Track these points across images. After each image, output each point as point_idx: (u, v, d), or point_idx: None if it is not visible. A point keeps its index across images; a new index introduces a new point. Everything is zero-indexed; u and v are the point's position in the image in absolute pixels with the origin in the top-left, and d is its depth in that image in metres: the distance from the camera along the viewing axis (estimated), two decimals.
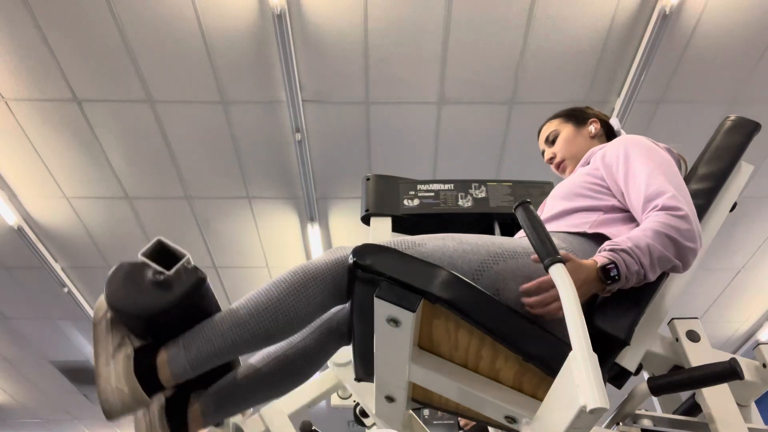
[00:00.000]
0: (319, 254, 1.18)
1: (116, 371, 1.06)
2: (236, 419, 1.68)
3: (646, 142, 1.30)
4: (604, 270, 1.02)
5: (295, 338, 1.27)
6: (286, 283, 1.11)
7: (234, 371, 1.28)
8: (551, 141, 1.59)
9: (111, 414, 1.05)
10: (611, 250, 1.05)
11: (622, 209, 1.24)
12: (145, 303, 1.07)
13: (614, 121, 1.59)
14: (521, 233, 1.40)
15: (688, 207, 1.10)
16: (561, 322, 1.02)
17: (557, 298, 1.02)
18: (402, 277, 0.96)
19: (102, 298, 1.11)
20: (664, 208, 1.09)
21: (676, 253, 1.06)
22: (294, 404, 1.75)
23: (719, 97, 3.45)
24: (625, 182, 1.23)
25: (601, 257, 1.05)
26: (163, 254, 1.08)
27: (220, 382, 1.26)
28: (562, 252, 0.94)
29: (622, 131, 1.55)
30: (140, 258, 1.08)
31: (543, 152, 1.63)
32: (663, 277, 1.12)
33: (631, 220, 1.22)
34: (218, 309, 1.17)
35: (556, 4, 3.01)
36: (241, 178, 3.95)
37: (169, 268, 1.07)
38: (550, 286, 1.02)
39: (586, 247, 1.18)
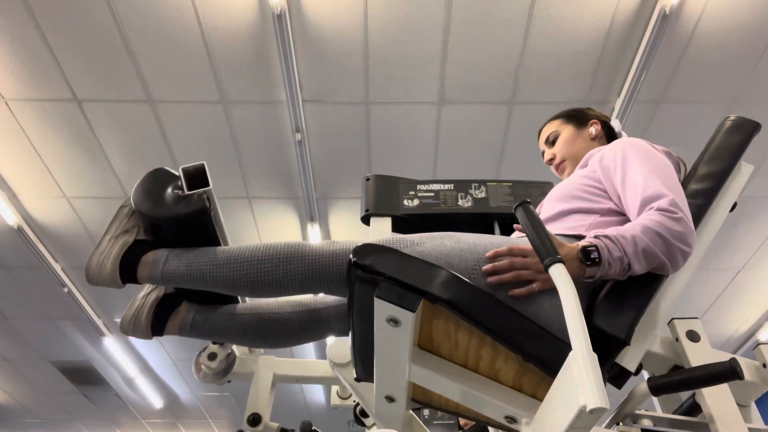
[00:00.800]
0: (321, 241, 1.21)
1: (109, 250, 1.22)
2: (241, 351, 1.83)
3: (645, 145, 1.29)
4: (585, 251, 1.02)
5: (285, 308, 1.35)
6: (275, 249, 1.18)
7: (230, 305, 1.37)
8: (551, 142, 1.59)
9: (88, 279, 1.22)
10: (595, 236, 1.06)
11: (619, 212, 1.24)
12: (152, 206, 1.22)
13: (615, 123, 1.59)
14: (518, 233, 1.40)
15: (684, 211, 1.10)
16: (533, 300, 1.03)
17: (526, 267, 1.04)
18: (402, 277, 0.96)
19: None
20: (660, 210, 1.10)
21: (665, 251, 1.06)
22: (285, 369, 1.86)
23: (719, 97, 3.45)
24: (622, 185, 1.22)
25: (584, 241, 1.06)
26: (197, 177, 1.22)
27: (213, 308, 1.35)
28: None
29: (623, 133, 1.54)
30: (179, 170, 1.22)
31: (543, 153, 1.63)
32: (662, 277, 1.12)
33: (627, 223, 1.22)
34: (218, 243, 1.28)
35: (556, 3, 3.01)
36: (241, 178, 3.95)
37: (191, 190, 1.20)
38: (521, 254, 1.05)
39: None
